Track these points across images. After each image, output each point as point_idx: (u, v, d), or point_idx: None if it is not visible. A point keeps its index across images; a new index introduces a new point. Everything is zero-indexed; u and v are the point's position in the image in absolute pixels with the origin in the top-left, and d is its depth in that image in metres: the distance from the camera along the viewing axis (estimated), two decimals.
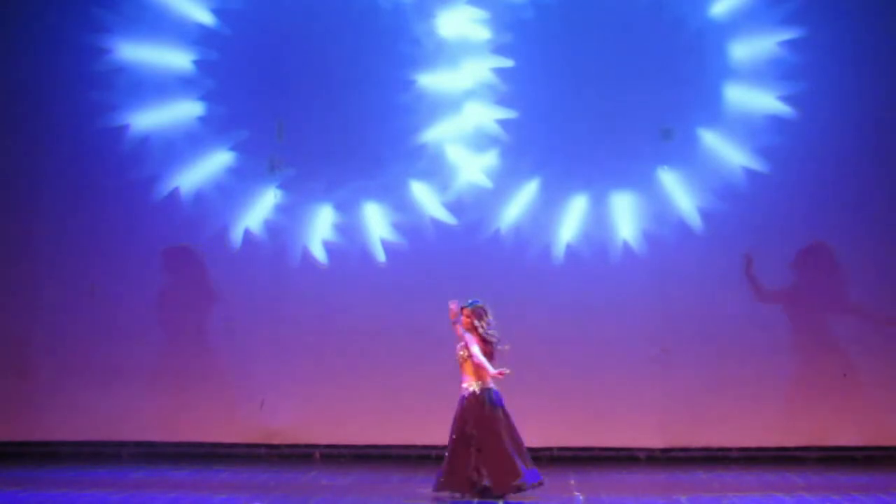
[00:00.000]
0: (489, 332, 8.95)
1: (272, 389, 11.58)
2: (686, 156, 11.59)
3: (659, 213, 11.58)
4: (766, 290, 11.42)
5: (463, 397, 8.97)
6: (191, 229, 11.72)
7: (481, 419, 8.89)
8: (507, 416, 8.99)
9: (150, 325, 11.67)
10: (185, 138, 11.78)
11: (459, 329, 8.97)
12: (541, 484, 8.91)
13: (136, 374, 11.61)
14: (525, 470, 8.85)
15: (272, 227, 11.75)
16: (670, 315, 11.48)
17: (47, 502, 9.02)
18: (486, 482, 8.80)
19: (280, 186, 11.77)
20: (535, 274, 11.57)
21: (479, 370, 8.90)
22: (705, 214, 11.56)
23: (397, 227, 11.70)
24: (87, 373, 11.63)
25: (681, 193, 11.59)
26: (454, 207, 11.69)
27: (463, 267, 11.55)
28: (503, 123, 11.69)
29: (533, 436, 11.40)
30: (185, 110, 11.80)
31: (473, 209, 11.68)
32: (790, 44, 11.54)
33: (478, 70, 11.71)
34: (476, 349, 8.83)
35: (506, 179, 11.66)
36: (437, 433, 11.41)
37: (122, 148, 11.77)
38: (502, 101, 11.69)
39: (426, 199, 11.71)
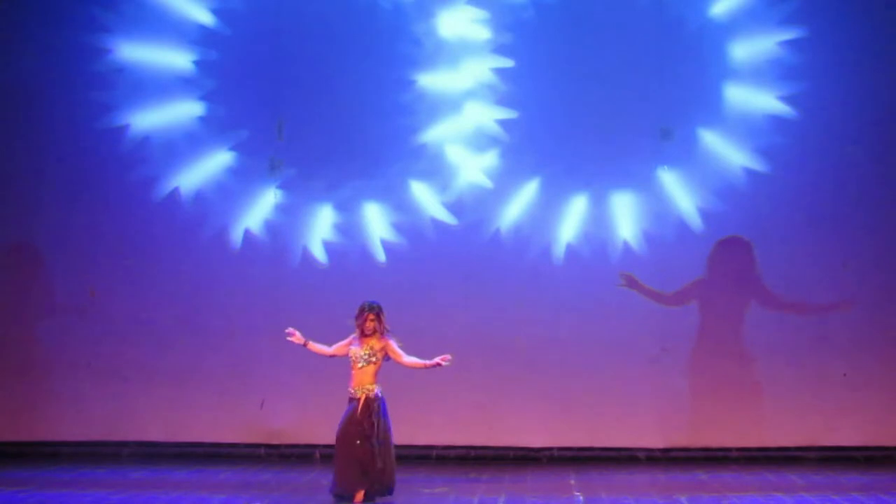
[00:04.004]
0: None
1: (272, 389, 11.59)
2: (686, 156, 11.59)
3: (659, 213, 11.58)
4: (665, 296, 11.47)
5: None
6: (191, 229, 11.72)
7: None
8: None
9: (150, 325, 11.67)
10: (185, 138, 11.78)
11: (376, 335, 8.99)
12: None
13: (136, 374, 11.61)
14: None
15: (272, 227, 11.74)
16: (670, 315, 11.49)
17: (47, 502, 9.02)
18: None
19: (280, 186, 11.77)
20: (535, 274, 11.57)
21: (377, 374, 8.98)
22: (705, 214, 11.56)
23: (397, 227, 11.70)
24: (87, 373, 11.64)
25: (681, 193, 11.59)
26: (454, 207, 11.69)
27: (463, 267, 11.57)
28: (503, 123, 11.69)
29: (533, 436, 11.49)
30: (185, 110, 11.80)
31: (473, 209, 11.68)
32: (790, 44, 11.54)
33: (478, 70, 11.71)
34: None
35: (506, 179, 11.66)
36: (437, 433, 11.48)
37: (122, 148, 11.77)
38: (502, 101, 11.69)
39: (426, 199, 11.71)
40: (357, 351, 8.96)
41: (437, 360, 8.88)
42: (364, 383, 8.93)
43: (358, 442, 8.80)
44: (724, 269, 11.54)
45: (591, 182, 11.61)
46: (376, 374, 8.97)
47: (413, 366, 8.98)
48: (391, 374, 9.15)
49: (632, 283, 11.46)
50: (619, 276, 11.48)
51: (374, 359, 8.95)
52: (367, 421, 8.84)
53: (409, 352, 9.02)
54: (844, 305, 11.40)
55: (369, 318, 8.95)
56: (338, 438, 8.90)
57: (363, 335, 8.98)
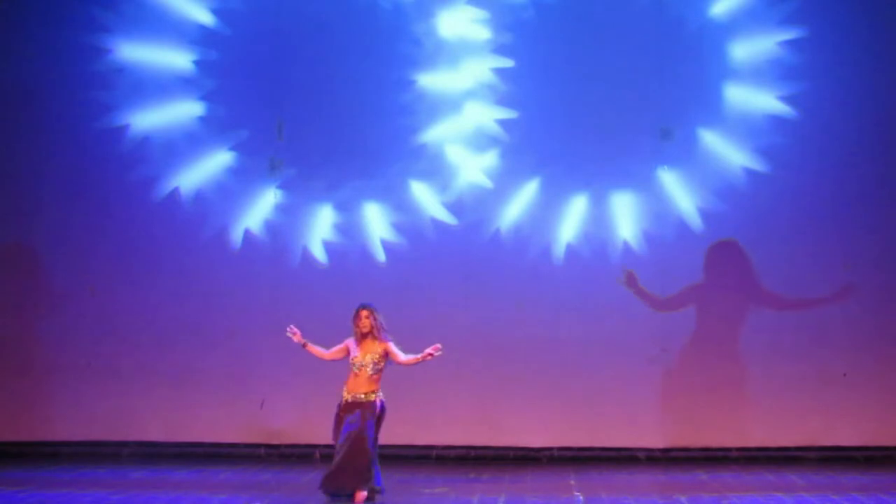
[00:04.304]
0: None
1: (272, 389, 11.59)
2: (686, 156, 11.60)
3: (659, 212, 11.58)
4: (660, 300, 11.48)
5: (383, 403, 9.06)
6: (191, 229, 11.72)
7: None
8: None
9: (150, 325, 11.67)
10: (185, 138, 11.78)
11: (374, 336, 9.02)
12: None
13: (136, 374, 11.61)
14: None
15: (272, 227, 11.75)
16: (670, 315, 11.49)
17: (47, 502, 9.02)
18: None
19: (280, 186, 11.77)
20: (535, 274, 11.57)
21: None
22: (705, 214, 11.56)
23: (397, 227, 11.70)
24: (87, 373, 11.64)
25: (681, 193, 11.59)
26: (454, 207, 11.69)
27: (463, 267, 11.57)
28: (503, 123, 11.69)
29: (533, 436, 11.49)
30: (185, 110, 11.80)
31: (473, 209, 11.68)
32: (790, 44, 11.54)
33: (478, 70, 11.71)
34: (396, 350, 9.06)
35: (506, 179, 11.66)
36: (437, 433, 11.48)
37: (123, 148, 11.77)
38: (502, 101, 11.69)
39: (426, 199, 11.71)
40: (361, 359, 8.97)
41: (427, 351, 8.93)
42: (372, 389, 8.96)
43: (365, 443, 8.83)
44: (722, 272, 11.53)
45: (591, 182, 11.61)
46: (380, 379, 9.00)
47: (409, 362, 9.04)
48: (391, 373, 9.17)
49: (631, 281, 11.46)
50: (621, 270, 11.47)
51: (380, 366, 8.98)
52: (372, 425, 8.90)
53: (406, 351, 9.03)
54: (843, 294, 11.39)
55: (364, 315, 8.98)
56: (350, 438, 8.87)
57: (362, 336, 8.99)
